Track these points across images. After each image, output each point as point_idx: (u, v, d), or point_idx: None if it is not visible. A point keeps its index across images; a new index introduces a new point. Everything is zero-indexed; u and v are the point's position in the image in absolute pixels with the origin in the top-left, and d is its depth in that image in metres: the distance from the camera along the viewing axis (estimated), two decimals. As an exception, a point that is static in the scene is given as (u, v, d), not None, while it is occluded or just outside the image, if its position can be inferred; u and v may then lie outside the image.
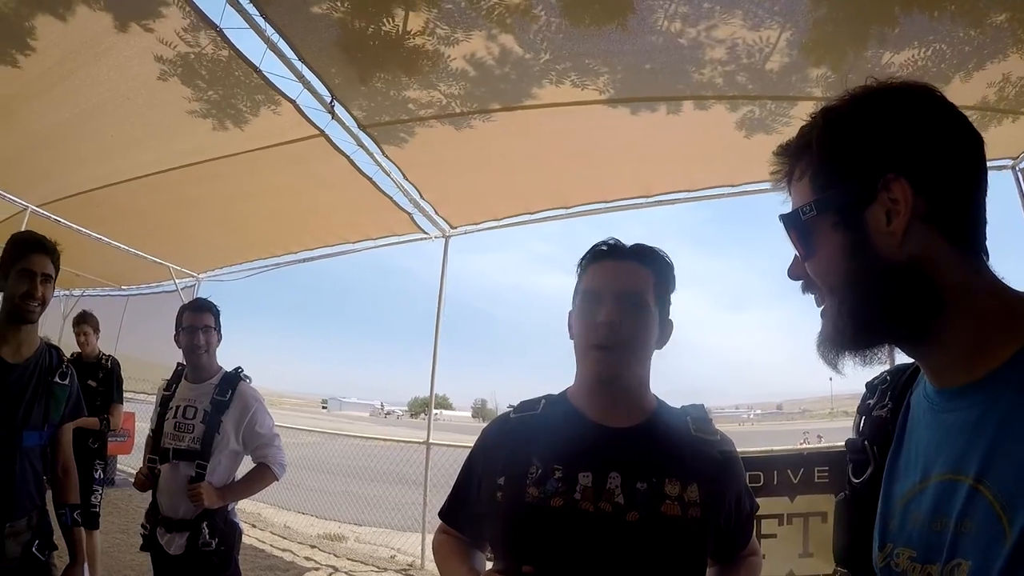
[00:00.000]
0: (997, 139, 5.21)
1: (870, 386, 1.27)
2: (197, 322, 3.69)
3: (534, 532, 1.66)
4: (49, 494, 3.23)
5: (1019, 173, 5.76)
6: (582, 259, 1.88)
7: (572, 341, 1.85)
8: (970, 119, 1.04)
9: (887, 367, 1.18)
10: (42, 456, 3.13)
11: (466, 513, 1.91)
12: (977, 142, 1.01)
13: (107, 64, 4.66)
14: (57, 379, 3.17)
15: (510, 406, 1.95)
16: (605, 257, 1.83)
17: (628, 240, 1.86)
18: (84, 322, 6.33)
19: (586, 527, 1.63)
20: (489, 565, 1.77)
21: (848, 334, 1.03)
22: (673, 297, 1.87)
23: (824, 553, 4.92)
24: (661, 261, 1.84)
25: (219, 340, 3.82)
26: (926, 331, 0.99)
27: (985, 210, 1.01)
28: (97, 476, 6.03)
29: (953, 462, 0.93)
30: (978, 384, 0.93)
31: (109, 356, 6.53)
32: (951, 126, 1.01)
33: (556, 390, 1.93)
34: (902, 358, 1.11)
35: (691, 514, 1.65)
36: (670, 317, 1.85)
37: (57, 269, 3.10)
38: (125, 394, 6.75)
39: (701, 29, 4.15)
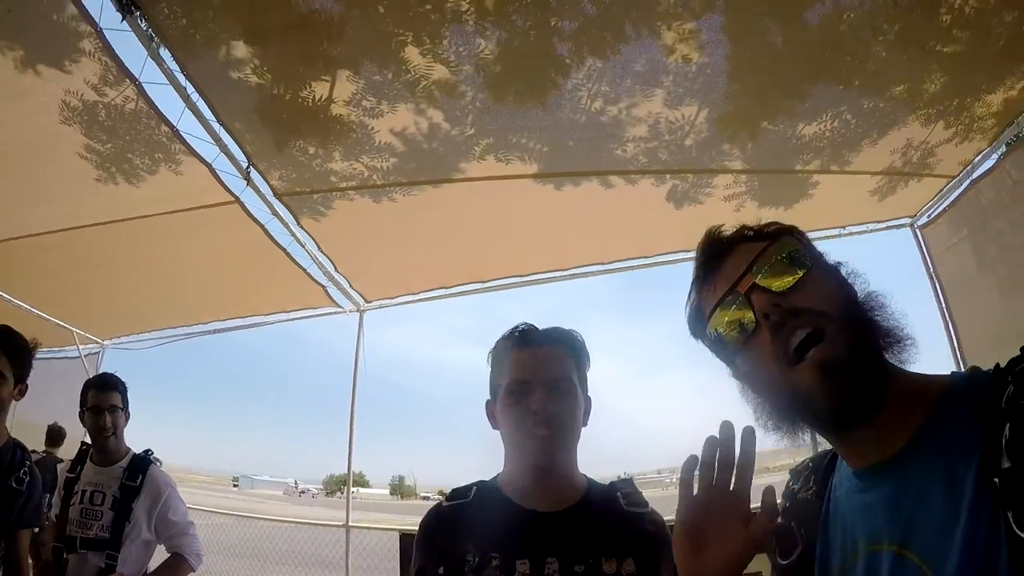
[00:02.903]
0: (899, 200, 5.71)
1: (794, 472, 1.37)
2: (103, 402, 3.55)
3: None
4: None
5: (916, 231, 6.20)
6: (498, 347, 1.92)
7: (498, 431, 1.89)
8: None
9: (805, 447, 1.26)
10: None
11: None
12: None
13: (13, 110, 4.50)
14: (12, 483, 2.94)
15: (440, 493, 2.01)
16: (527, 345, 1.87)
17: (537, 316, 1.92)
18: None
19: None
20: None
21: (855, 357, 1.06)
22: (588, 369, 1.92)
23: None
24: (577, 343, 1.91)
25: (127, 419, 3.66)
26: (881, 395, 1.06)
27: None
28: None
29: (878, 534, 1.03)
30: (892, 459, 1.04)
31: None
32: None
33: (475, 465, 2.02)
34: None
35: None
36: (588, 394, 1.91)
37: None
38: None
39: (622, 107, 4.30)
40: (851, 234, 6.28)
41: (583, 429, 1.88)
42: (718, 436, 1.19)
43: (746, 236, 1.24)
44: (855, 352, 1.05)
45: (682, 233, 6.02)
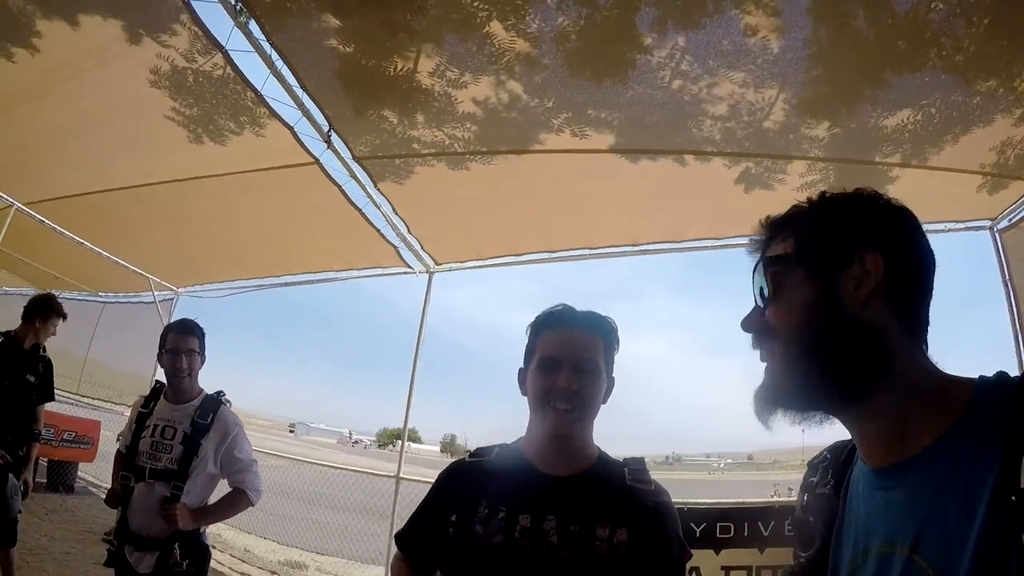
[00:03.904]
0: (980, 202, 5.47)
1: (812, 465, 1.36)
2: (181, 345, 3.67)
3: (477, 565, 1.87)
4: None
5: (996, 234, 5.93)
6: (536, 323, 2.06)
7: (526, 397, 2.03)
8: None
9: (819, 431, 1.24)
10: None
11: (421, 543, 2.09)
12: (933, 257, 1.16)
13: (109, 72, 4.67)
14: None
15: (467, 451, 2.18)
16: (562, 327, 2.01)
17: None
18: (62, 316, 5.51)
19: (522, 563, 1.82)
20: None
21: (789, 388, 1.13)
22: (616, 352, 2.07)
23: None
24: (609, 328, 2.04)
25: (203, 362, 3.80)
26: (867, 394, 1.07)
27: (929, 311, 1.13)
28: (10, 486, 5.03)
29: (891, 535, 1.01)
30: (910, 461, 1.01)
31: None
32: (920, 235, 1.17)
33: (521, 431, 2.10)
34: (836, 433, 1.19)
35: (619, 553, 1.82)
36: (613, 375, 2.04)
37: None
38: (92, 401, 6.55)
39: (703, 86, 4.25)
40: (928, 232, 5.98)
41: (604, 406, 2.02)
42: None
43: (777, 235, 1.27)
44: (788, 361, 1.13)
45: (751, 218, 5.90)
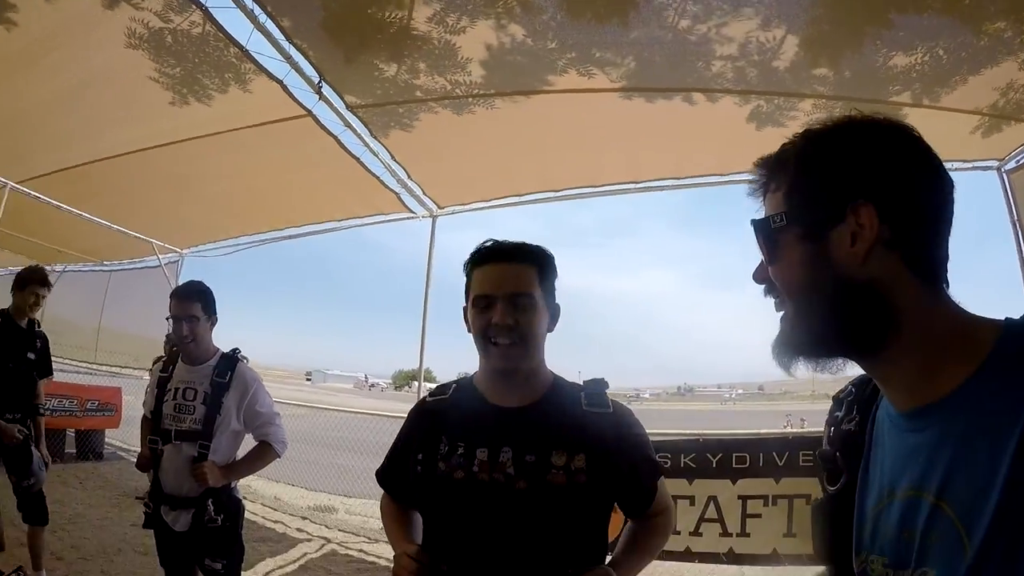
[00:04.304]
0: (989, 142, 5.44)
1: (836, 400, 1.32)
2: (181, 312, 3.67)
3: (441, 500, 1.93)
4: None
5: (1004, 174, 5.96)
6: (468, 261, 2.05)
7: (471, 335, 2.02)
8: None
9: (846, 375, 1.22)
10: None
11: (396, 479, 2.15)
12: (947, 183, 1.06)
13: (89, 42, 4.57)
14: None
15: (429, 391, 2.23)
16: (490, 260, 2.01)
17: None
18: (46, 284, 5.29)
19: (482, 495, 1.86)
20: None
21: (801, 341, 1.11)
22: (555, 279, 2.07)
23: (807, 534, 5.02)
24: (541, 254, 2.03)
25: (212, 322, 3.80)
26: (878, 348, 1.04)
27: (947, 244, 1.07)
28: (36, 460, 4.99)
29: (916, 480, 0.99)
30: (936, 406, 0.98)
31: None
32: (924, 165, 1.06)
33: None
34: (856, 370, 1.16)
35: (577, 480, 1.84)
36: (556, 302, 2.06)
37: None
38: (111, 369, 6.58)
39: (711, 25, 4.15)
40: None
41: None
42: None
43: (771, 182, 1.22)
44: (795, 322, 1.12)
45: (761, 154, 5.83)
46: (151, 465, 3.71)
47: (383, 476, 2.23)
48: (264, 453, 3.82)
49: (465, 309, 2.05)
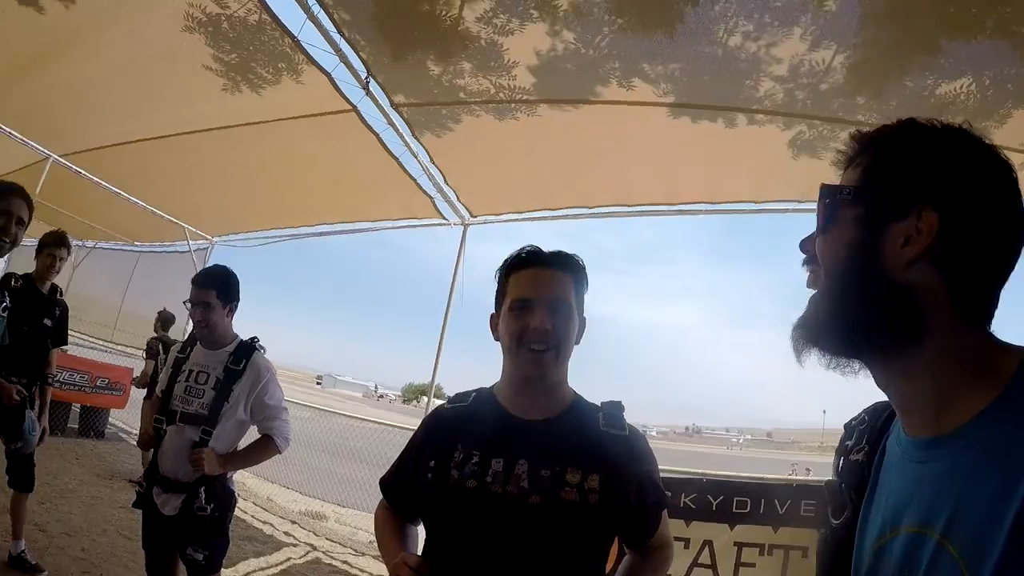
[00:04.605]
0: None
1: (848, 427, 1.29)
2: (196, 298, 3.69)
3: (452, 509, 1.88)
4: None
5: None
6: (506, 265, 2.03)
7: (499, 342, 2.01)
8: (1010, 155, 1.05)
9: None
10: None
11: (402, 489, 2.10)
12: (1018, 230, 1.01)
13: (141, 22, 4.65)
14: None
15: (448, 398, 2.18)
16: (530, 265, 1.99)
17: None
18: (63, 245, 5.18)
19: (494, 507, 1.82)
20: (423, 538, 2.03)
21: (823, 326, 1.07)
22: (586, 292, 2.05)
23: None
24: (578, 265, 2.02)
25: (231, 308, 3.79)
26: (898, 355, 1.00)
27: (998, 290, 1.02)
28: (27, 423, 4.81)
29: (921, 515, 0.95)
30: (948, 437, 0.94)
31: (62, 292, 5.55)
32: (1007, 200, 1.00)
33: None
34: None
35: (589, 500, 1.81)
36: (584, 315, 2.03)
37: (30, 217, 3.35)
38: (127, 349, 6.59)
39: (762, 45, 4.14)
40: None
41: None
42: None
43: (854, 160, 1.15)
44: (826, 296, 1.08)
45: (796, 184, 5.82)
46: (152, 444, 3.70)
47: (387, 485, 2.19)
48: (265, 447, 3.78)
49: (493, 316, 2.04)
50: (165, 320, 9.08)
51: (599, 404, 2.03)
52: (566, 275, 1.97)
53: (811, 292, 1.12)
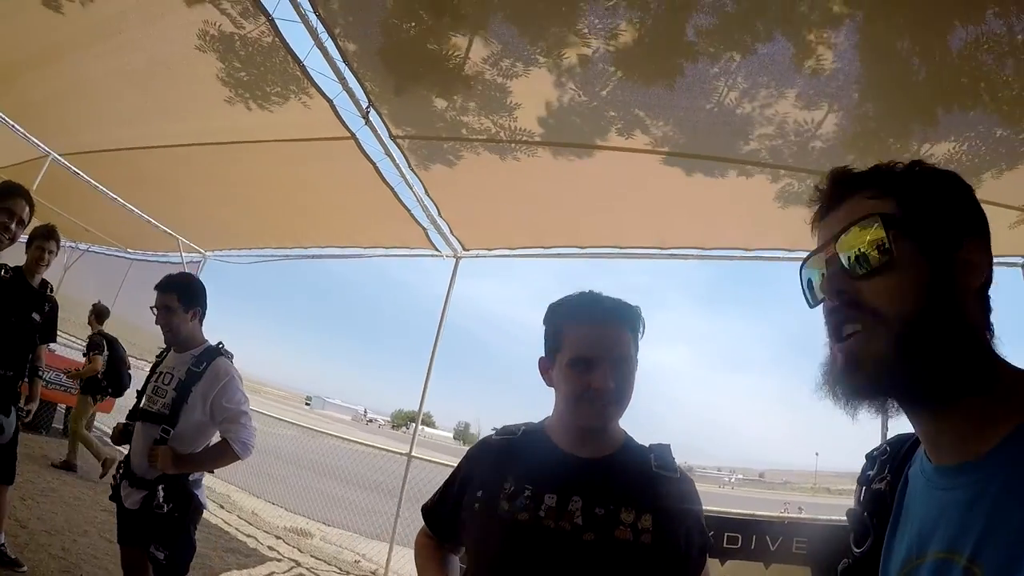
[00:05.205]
0: (1014, 237, 5.34)
1: (870, 457, 1.28)
2: (159, 302, 3.82)
3: (501, 542, 1.84)
4: None
5: None
6: (561, 315, 1.98)
7: (552, 388, 1.99)
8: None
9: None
10: None
11: (446, 516, 2.06)
12: None
13: (155, 30, 4.70)
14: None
15: (493, 429, 2.13)
16: (592, 323, 1.92)
17: (624, 291, 1.98)
18: (52, 238, 5.10)
19: (546, 542, 1.79)
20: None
21: (883, 372, 0.99)
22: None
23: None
24: (637, 316, 1.96)
25: (194, 313, 3.89)
26: (959, 393, 0.96)
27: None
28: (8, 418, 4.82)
29: (949, 541, 0.93)
30: (974, 464, 0.93)
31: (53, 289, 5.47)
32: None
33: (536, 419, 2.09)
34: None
35: (642, 540, 1.79)
36: (638, 356, 1.98)
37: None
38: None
39: (756, 105, 4.24)
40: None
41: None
42: None
43: (861, 189, 1.10)
44: (896, 352, 0.97)
45: (785, 233, 5.91)
46: (123, 440, 3.84)
47: (430, 512, 2.15)
48: (222, 452, 3.79)
49: (544, 360, 2.01)
50: (99, 312, 9.22)
51: (647, 445, 2.02)
52: (626, 330, 1.93)
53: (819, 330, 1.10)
